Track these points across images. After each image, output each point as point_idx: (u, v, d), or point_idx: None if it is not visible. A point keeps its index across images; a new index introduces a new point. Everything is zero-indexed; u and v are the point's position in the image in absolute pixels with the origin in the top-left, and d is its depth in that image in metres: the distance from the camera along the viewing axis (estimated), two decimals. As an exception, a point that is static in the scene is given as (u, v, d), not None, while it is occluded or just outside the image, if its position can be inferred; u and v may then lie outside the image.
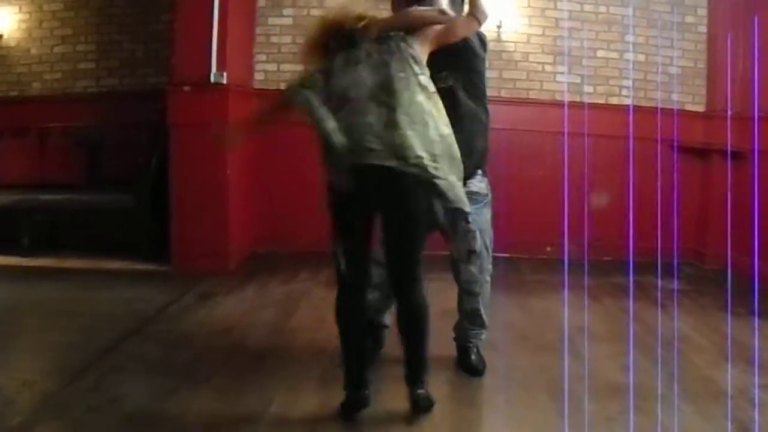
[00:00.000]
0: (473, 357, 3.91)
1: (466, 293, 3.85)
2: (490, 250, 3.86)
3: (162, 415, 3.29)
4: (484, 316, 3.92)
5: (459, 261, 3.75)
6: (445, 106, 3.21)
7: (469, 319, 3.91)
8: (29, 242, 6.77)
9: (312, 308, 5.05)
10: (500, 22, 6.90)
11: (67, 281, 5.88)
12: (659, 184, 6.20)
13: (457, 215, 3.36)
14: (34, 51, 7.65)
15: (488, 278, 3.89)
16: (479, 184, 3.75)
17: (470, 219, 3.44)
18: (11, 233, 6.73)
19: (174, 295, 5.27)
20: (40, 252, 6.68)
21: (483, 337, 3.97)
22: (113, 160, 7.10)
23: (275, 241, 6.74)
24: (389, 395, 3.44)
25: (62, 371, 3.78)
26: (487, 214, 3.80)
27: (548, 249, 6.26)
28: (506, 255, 6.52)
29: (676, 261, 5.98)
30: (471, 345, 3.94)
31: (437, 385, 3.59)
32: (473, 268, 3.76)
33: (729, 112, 6.42)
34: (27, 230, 6.79)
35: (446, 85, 3.48)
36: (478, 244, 3.68)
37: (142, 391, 3.52)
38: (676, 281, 5.86)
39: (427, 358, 3.30)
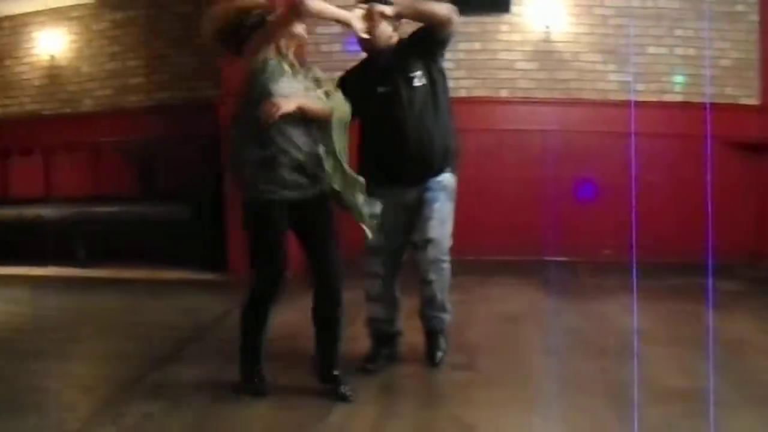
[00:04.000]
0: (435, 341, 4.03)
1: (422, 281, 3.89)
2: (446, 242, 3.88)
3: (222, 423, 3.31)
4: (444, 302, 3.98)
5: (416, 249, 3.85)
6: (425, 104, 3.73)
7: (430, 306, 3.97)
8: (85, 253, 6.90)
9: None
10: (548, 22, 6.84)
11: (124, 291, 6.00)
12: (715, 182, 6.07)
13: (422, 203, 3.75)
14: (84, 69, 7.84)
15: (445, 267, 3.90)
16: (450, 177, 3.91)
17: (434, 207, 3.75)
18: (67, 244, 6.88)
19: (232, 303, 5.25)
20: (96, 263, 6.80)
21: (446, 320, 4.05)
22: (165, 172, 7.22)
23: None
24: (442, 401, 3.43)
25: (120, 378, 3.85)
26: (450, 207, 3.90)
27: (605, 252, 6.18)
28: (564, 258, 6.50)
29: (733, 262, 5.87)
30: (435, 328, 4.03)
31: (496, 391, 3.59)
32: (428, 257, 3.81)
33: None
34: (82, 241, 6.93)
35: (422, 83, 3.78)
36: (436, 233, 3.79)
37: (201, 399, 3.56)
38: (734, 282, 5.74)
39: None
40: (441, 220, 3.82)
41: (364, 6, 3.65)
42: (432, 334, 4.05)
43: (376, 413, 3.38)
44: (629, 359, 3.90)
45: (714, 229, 5.77)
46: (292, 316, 5.06)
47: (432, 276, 3.85)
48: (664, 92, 6.90)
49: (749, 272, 6.44)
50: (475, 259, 6.43)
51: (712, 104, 6.32)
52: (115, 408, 3.45)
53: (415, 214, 3.85)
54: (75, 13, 7.85)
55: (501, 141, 6.82)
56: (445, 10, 3.73)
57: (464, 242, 6.87)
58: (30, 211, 7.20)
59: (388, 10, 3.66)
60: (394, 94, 3.76)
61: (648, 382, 3.65)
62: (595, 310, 5.17)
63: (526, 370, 3.98)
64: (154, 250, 6.90)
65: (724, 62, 6.93)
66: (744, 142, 6.72)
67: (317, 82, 3.51)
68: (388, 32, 3.78)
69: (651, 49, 6.89)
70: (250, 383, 3.64)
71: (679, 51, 6.82)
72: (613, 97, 6.77)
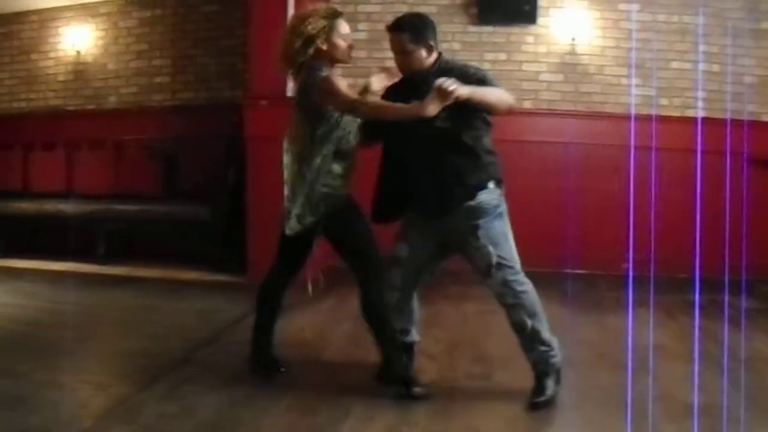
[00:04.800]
0: (538, 382, 3.66)
1: (504, 307, 3.69)
2: (510, 261, 3.64)
3: (235, 426, 3.32)
4: (540, 332, 3.65)
5: (484, 279, 3.67)
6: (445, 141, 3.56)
7: (522, 336, 3.69)
8: (105, 250, 6.95)
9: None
10: (574, 35, 6.85)
11: (142, 290, 6.02)
12: (735, 198, 6.04)
13: (466, 233, 3.55)
14: (110, 66, 7.91)
15: (523, 288, 3.65)
16: (488, 195, 3.64)
17: (479, 233, 3.54)
18: (87, 241, 6.92)
19: (249, 306, 5.29)
20: (116, 260, 6.84)
21: (553, 359, 3.66)
22: (188, 172, 7.25)
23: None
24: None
25: (135, 378, 3.86)
26: (499, 226, 3.65)
27: (624, 266, 6.15)
28: (583, 271, 6.49)
29: (752, 278, 5.82)
30: (540, 368, 3.66)
31: (513, 403, 3.59)
32: (497, 281, 3.62)
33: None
34: (103, 239, 6.97)
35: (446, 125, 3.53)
36: (494, 258, 3.59)
37: (215, 401, 3.57)
38: (752, 299, 5.70)
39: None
40: (493, 242, 3.59)
41: (438, 84, 3.33)
42: (536, 374, 3.68)
43: (391, 420, 3.39)
44: (645, 374, 3.89)
45: (733, 246, 5.75)
46: (305, 322, 5.10)
47: (509, 299, 3.63)
48: (687, 107, 6.88)
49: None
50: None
51: (734, 120, 6.30)
52: (129, 407, 3.47)
53: (460, 241, 3.68)
54: (103, 10, 7.92)
55: (523, 152, 6.82)
56: (506, 105, 3.61)
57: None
58: (51, 206, 7.26)
59: (464, 93, 3.37)
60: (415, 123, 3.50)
61: (663, 398, 3.65)
62: (613, 323, 5.15)
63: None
64: (175, 250, 6.93)
65: (748, 79, 6.90)
66: (764, 159, 6.68)
67: None
68: (422, 56, 3.62)
69: (675, 64, 6.90)
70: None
71: (702, 66, 6.78)
72: (636, 111, 6.75)
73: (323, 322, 5.05)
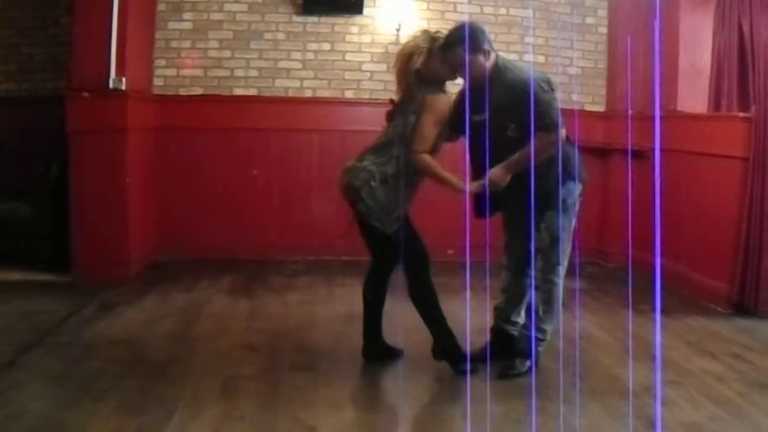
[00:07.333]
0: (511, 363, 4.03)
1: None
2: (561, 255, 3.95)
3: (64, 429, 3.22)
4: (543, 322, 4.03)
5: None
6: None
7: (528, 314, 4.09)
8: None
9: (213, 317, 5.02)
10: (399, 25, 6.94)
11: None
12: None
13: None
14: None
15: (555, 280, 4.00)
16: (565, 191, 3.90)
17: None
18: None
19: (75, 306, 5.14)
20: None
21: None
22: (11, 167, 6.88)
23: (176, 249, 6.65)
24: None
25: (-44, 387, 3.65)
26: (564, 220, 3.91)
27: (450, 252, 6.27)
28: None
29: (578, 260, 6.09)
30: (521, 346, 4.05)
31: (336, 391, 3.61)
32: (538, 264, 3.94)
33: (629, 112, 6.57)
34: None
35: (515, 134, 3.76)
36: (545, 245, 3.91)
37: (43, 405, 3.45)
38: (579, 280, 5.98)
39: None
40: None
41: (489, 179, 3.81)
42: (517, 350, 4.09)
43: (217, 415, 3.39)
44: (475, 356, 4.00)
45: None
46: (132, 317, 4.99)
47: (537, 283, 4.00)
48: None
49: (594, 270, 6.77)
50: (316, 259, 6.55)
51: (564, 110, 6.57)
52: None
53: None
54: None
55: (344, 142, 6.83)
56: (546, 150, 3.74)
57: (306, 242, 6.85)
58: None
59: (507, 178, 3.81)
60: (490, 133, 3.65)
61: (494, 380, 3.80)
62: (446, 309, 5.25)
63: (366, 369, 4.08)
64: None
65: (572, 70, 7.22)
66: (589, 147, 7.01)
67: None
68: (482, 63, 3.83)
69: (501, 55, 7.07)
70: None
71: (528, 57, 7.00)
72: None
73: (146, 320, 4.96)
